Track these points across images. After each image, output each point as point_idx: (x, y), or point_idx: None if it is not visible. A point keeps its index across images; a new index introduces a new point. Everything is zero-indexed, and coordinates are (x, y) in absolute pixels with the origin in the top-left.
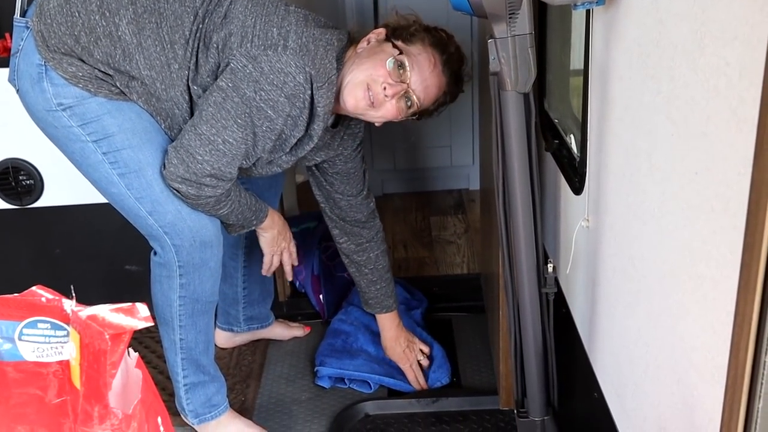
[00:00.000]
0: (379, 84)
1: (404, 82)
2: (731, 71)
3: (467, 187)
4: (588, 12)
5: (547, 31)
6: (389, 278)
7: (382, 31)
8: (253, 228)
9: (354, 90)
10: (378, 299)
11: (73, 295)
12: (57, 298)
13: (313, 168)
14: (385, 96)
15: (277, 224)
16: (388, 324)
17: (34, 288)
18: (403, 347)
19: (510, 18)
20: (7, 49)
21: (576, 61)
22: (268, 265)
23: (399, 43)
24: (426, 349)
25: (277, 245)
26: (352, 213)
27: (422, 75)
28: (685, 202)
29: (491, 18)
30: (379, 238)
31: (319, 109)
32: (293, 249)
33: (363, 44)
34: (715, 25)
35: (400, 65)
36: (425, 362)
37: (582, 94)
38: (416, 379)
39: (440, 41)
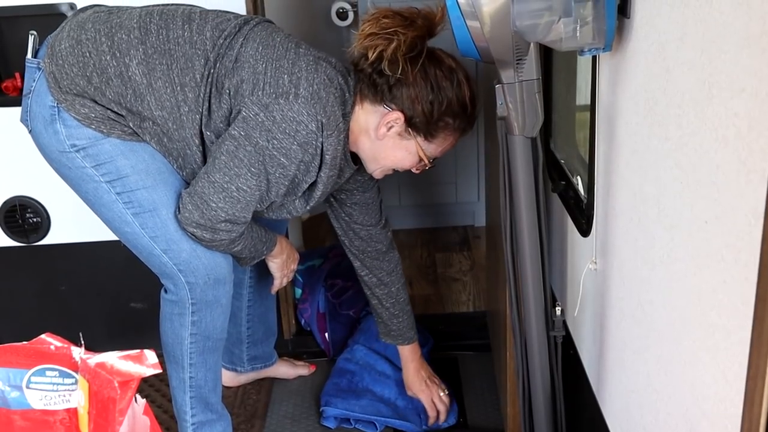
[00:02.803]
0: (405, 168)
1: (427, 167)
2: (740, 122)
3: (472, 223)
4: (594, 57)
5: (553, 72)
6: (409, 310)
7: (400, 119)
8: (264, 258)
9: (383, 171)
10: (400, 331)
11: (82, 342)
12: (65, 345)
13: (332, 200)
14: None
15: (285, 249)
16: (410, 355)
17: (43, 336)
18: (425, 379)
19: (517, 64)
20: (17, 89)
21: (582, 103)
22: (278, 287)
23: (422, 143)
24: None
25: (287, 268)
26: (373, 243)
27: (443, 153)
28: (694, 249)
29: (499, 64)
30: (399, 270)
31: (327, 156)
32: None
33: (382, 130)
34: (723, 76)
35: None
36: (446, 399)
37: (589, 137)
38: (436, 416)
39: (460, 120)
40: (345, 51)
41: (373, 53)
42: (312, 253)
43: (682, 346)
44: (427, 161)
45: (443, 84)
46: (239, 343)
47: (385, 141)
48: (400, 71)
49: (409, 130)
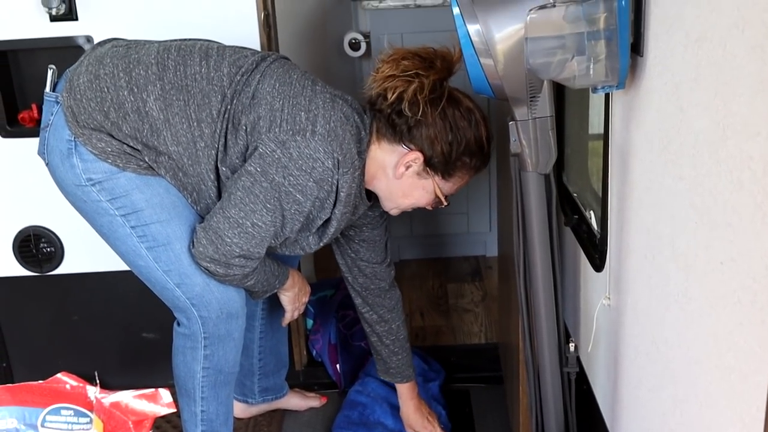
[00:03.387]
0: (421, 205)
1: (443, 205)
2: (755, 165)
3: (484, 253)
4: (607, 94)
5: (565, 105)
6: (408, 348)
7: (419, 159)
8: (276, 291)
9: (399, 210)
10: (399, 369)
11: (97, 381)
12: (81, 385)
13: (339, 237)
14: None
15: (297, 283)
16: (409, 393)
17: (58, 375)
18: (426, 415)
19: (531, 101)
20: (33, 120)
21: (595, 132)
22: (289, 320)
23: (440, 182)
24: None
25: (298, 301)
26: (377, 281)
27: (458, 190)
28: (709, 290)
29: (512, 101)
30: (399, 307)
31: (342, 194)
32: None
33: (401, 169)
34: (738, 119)
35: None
36: None
37: (602, 173)
38: None
39: (477, 160)
40: (361, 92)
41: (393, 94)
42: (324, 283)
43: (697, 387)
44: (443, 199)
45: (462, 124)
46: (251, 374)
47: (403, 180)
48: (420, 113)
49: (428, 169)
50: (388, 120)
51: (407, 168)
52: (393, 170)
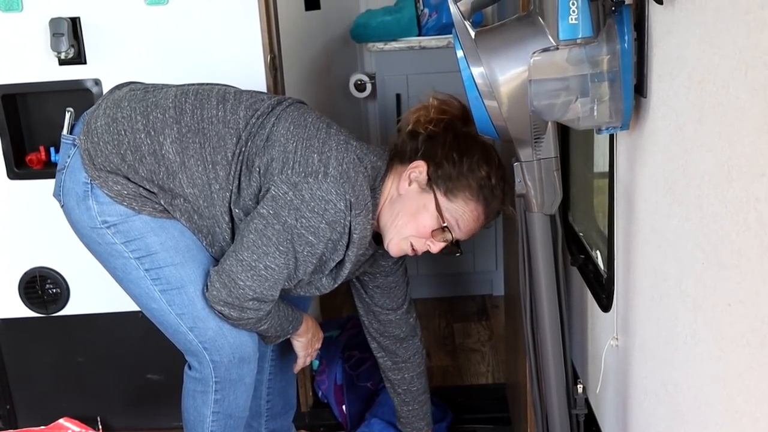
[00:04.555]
0: (423, 242)
1: (447, 240)
2: (761, 207)
3: (491, 292)
4: (612, 135)
5: (570, 145)
6: (423, 400)
7: (423, 169)
8: (289, 336)
9: (399, 244)
10: (408, 419)
11: (99, 427)
12: (83, 431)
13: (354, 280)
14: (429, 249)
15: (311, 329)
16: None
17: (60, 420)
18: None
19: (535, 142)
20: (41, 162)
21: (600, 170)
22: (302, 366)
23: (441, 199)
24: None
25: (311, 347)
26: (391, 328)
27: (466, 229)
28: (718, 332)
29: (517, 142)
30: (417, 359)
31: (355, 235)
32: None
33: (404, 184)
34: (742, 160)
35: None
36: None
37: (608, 213)
38: None
39: (483, 187)
40: (367, 132)
41: (414, 116)
42: (329, 323)
43: (708, 431)
44: (443, 220)
45: (472, 147)
46: (258, 416)
47: (405, 195)
48: (433, 125)
49: (430, 183)
50: (403, 143)
51: (410, 183)
52: (398, 190)
